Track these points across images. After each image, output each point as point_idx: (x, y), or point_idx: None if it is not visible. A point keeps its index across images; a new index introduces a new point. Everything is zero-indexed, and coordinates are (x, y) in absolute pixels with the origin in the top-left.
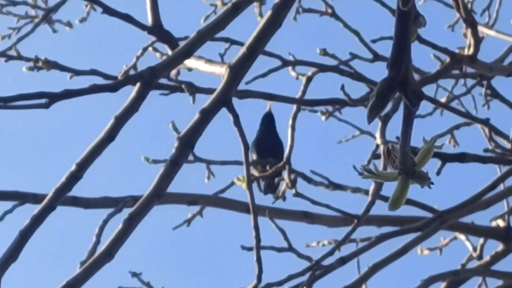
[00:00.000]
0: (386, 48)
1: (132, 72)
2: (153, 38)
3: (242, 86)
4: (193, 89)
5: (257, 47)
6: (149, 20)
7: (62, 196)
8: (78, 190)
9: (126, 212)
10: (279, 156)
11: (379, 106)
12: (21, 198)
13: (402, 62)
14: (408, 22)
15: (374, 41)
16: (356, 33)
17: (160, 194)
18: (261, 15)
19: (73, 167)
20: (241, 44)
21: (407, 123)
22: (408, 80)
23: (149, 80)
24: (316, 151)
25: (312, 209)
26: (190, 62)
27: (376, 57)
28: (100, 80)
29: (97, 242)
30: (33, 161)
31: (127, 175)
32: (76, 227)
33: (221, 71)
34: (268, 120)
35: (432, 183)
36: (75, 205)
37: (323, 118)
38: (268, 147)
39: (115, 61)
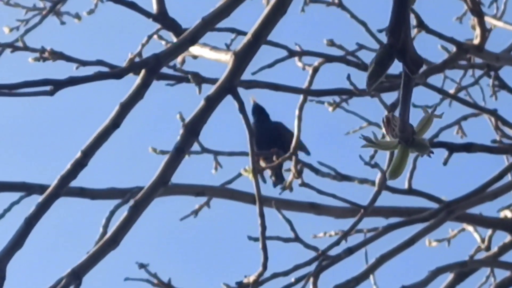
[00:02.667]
0: None
1: (137, 59)
2: (158, 26)
3: (248, 76)
4: (200, 79)
5: (262, 34)
6: (154, 8)
7: (68, 183)
8: (85, 181)
9: None
10: (282, 142)
11: (378, 73)
12: (28, 189)
13: (401, 29)
14: None
15: (381, 31)
16: (363, 24)
17: (165, 181)
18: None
19: (78, 154)
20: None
21: (406, 91)
22: (407, 48)
23: (154, 67)
24: (323, 142)
25: (319, 200)
26: (195, 50)
27: None
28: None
29: (104, 233)
30: (39, 150)
31: (134, 166)
32: (83, 218)
33: (227, 58)
34: (258, 112)
35: (432, 152)
36: (82, 196)
37: (330, 109)
38: (266, 138)
39: (123, 53)
